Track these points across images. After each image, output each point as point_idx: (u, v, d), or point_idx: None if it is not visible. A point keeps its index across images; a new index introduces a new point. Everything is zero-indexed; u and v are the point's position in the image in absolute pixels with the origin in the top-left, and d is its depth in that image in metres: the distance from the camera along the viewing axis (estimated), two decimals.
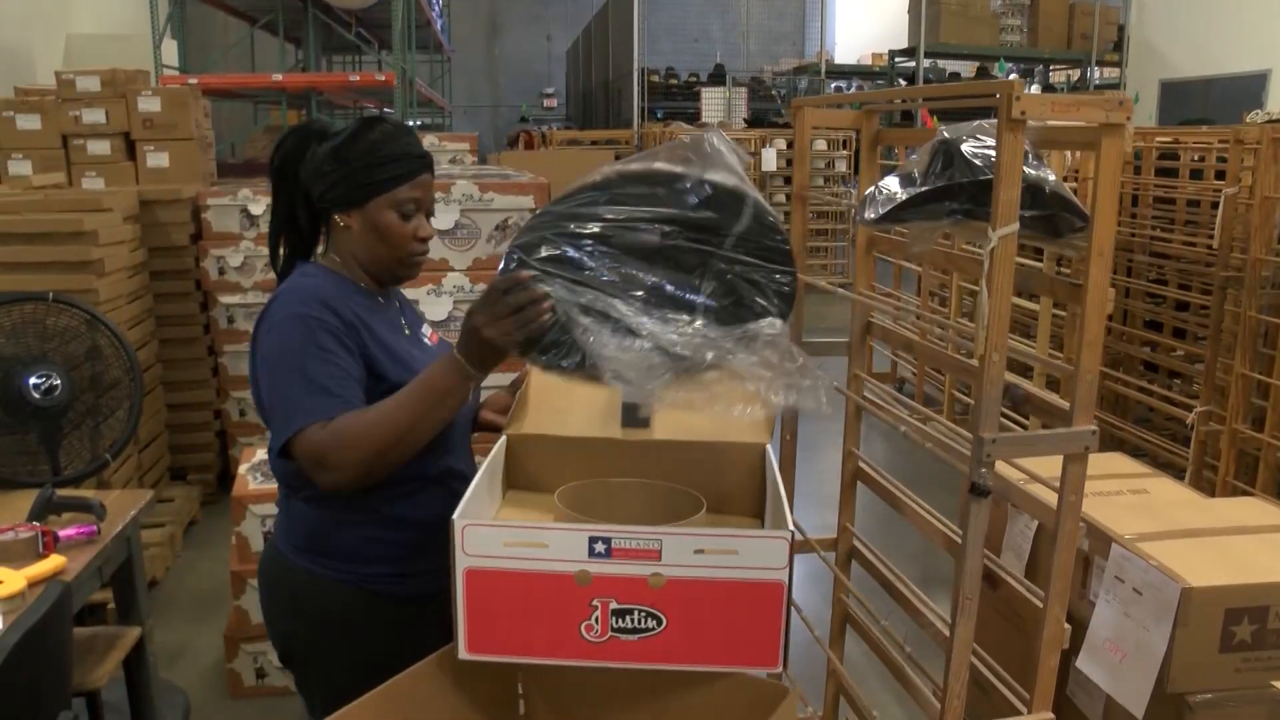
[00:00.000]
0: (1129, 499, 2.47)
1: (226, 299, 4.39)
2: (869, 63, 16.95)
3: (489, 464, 1.67)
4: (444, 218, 2.40)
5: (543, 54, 21.54)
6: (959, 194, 1.61)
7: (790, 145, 10.98)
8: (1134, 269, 5.11)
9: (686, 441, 1.77)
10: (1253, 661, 2.02)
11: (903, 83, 14.43)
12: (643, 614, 1.42)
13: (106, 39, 8.79)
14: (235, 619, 3.17)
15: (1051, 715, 1.79)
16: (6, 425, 2.92)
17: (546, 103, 21.03)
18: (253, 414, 4.38)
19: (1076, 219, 1.64)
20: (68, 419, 3.04)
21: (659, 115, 15.28)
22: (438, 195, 2.39)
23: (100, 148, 5.71)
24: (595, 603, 1.42)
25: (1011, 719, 1.80)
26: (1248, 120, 6.44)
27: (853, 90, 17.03)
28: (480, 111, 20.43)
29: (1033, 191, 1.58)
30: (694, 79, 17.23)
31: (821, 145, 10.67)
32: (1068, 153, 4.14)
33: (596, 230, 1.51)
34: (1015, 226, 1.51)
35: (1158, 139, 5.24)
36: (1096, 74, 13.75)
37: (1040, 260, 4.05)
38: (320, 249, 1.78)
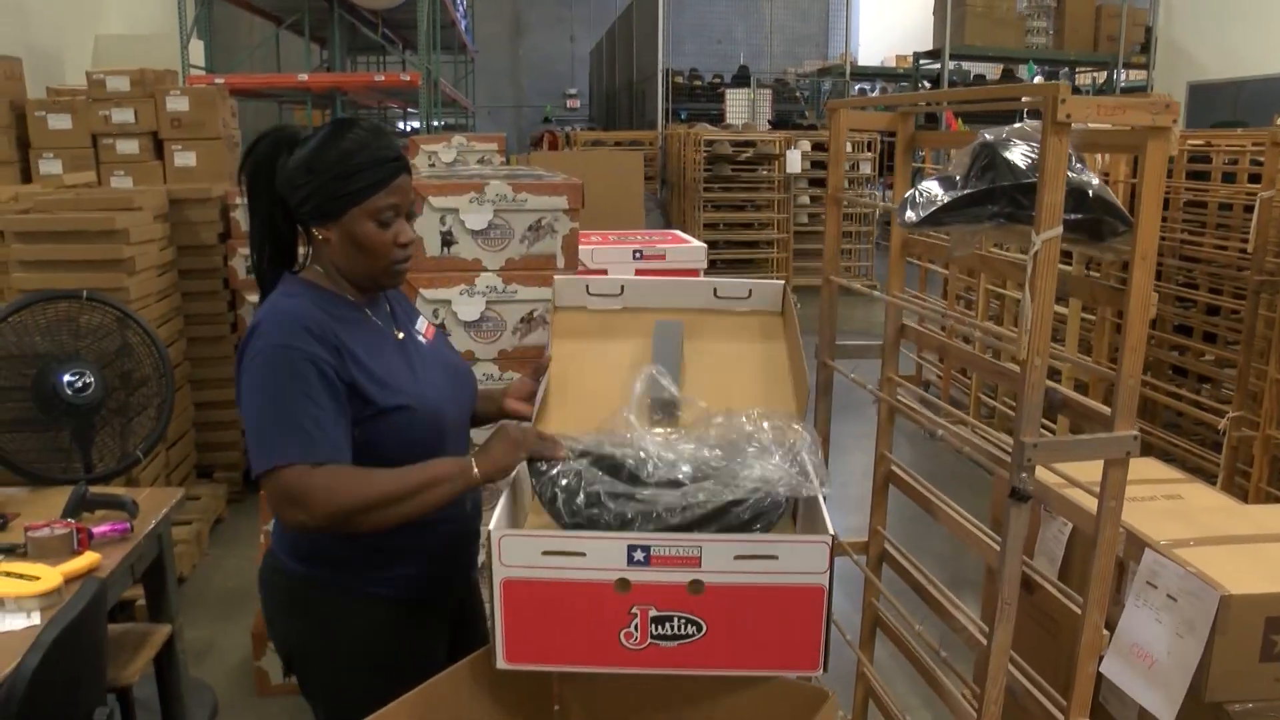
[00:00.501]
0: (1163, 504, 2.45)
1: (254, 297, 4.40)
2: (893, 64, 16.88)
3: (520, 467, 1.66)
4: (477, 218, 2.40)
5: (566, 55, 21.58)
6: (1001, 197, 1.59)
7: (815, 147, 10.96)
8: (1164, 273, 5.07)
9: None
10: None
11: (927, 85, 14.36)
12: (683, 620, 1.42)
13: (135, 39, 8.86)
14: (262, 617, 3.18)
15: None
16: (41, 422, 2.95)
17: (570, 103, 21.07)
18: None
19: (1119, 223, 1.62)
20: (100, 416, 3.06)
21: (682, 116, 15.26)
22: (471, 195, 2.38)
23: (129, 147, 5.76)
24: (634, 610, 1.42)
25: None
26: (1279, 123, 6.38)
27: (876, 92, 16.98)
28: (503, 112, 20.48)
29: (1076, 195, 1.57)
30: (718, 80, 17.21)
31: (846, 148, 10.62)
32: (1099, 155, 4.11)
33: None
34: (1059, 230, 1.49)
35: (1189, 142, 5.19)
36: (1123, 76, 13.64)
37: (1069, 264, 4.02)
38: (303, 258, 1.73)
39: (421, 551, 1.71)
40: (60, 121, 5.70)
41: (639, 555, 1.40)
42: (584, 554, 1.41)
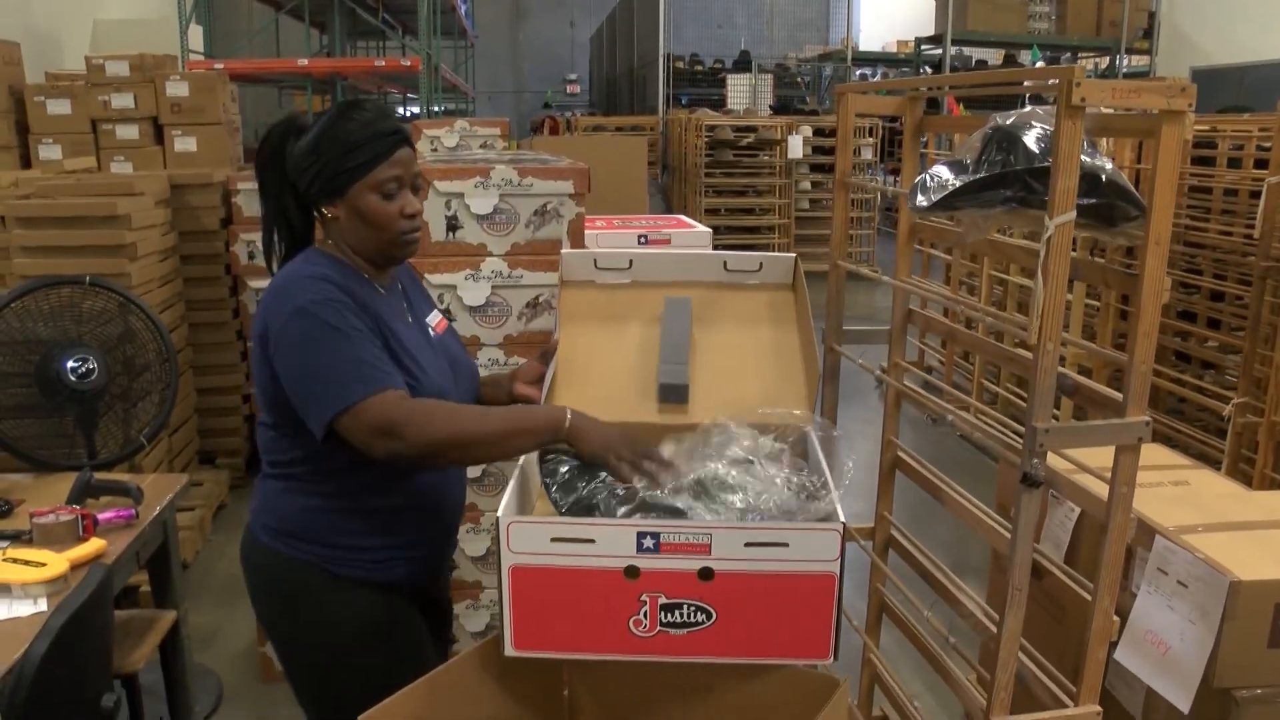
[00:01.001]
0: (1170, 490, 2.44)
1: (256, 283, 4.38)
2: (894, 50, 16.82)
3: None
4: (483, 202, 2.39)
5: (566, 40, 21.51)
6: (1014, 181, 1.58)
7: (816, 133, 10.93)
8: (1168, 258, 5.05)
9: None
10: None
11: (928, 70, 14.32)
12: (692, 608, 1.41)
13: (133, 24, 8.83)
14: None
15: (1099, 709, 1.78)
16: (45, 408, 2.94)
17: (570, 89, 21.02)
18: None
19: (1132, 208, 1.61)
20: (104, 402, 3.05)
21: (683, 102, 15.21)
22: (476, 180, 2.38)
23: (129, 132, 5.73)
24: (644, 598, 1.41)
25: (1058, 712, 1.78)
26: None
27: (877, 78, 16.92)
28: (503, 97, 20.43)
29: (1089, 179, 1.56)
30: (719, 65, 17.15)
31: None
32: (1103, 141, 4.09)
33: None
34: (1072, 215, 1.48)
35: (1195, 127, 5.17)
36: (1125, 62, 13.59)
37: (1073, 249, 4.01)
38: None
39: (401, 533, 1.73)
40: (59, 107, 5.68)
41: (648, 542, 1.39)
42: (593, 541, 1.40)
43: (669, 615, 1.42)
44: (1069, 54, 14.09)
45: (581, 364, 1.87)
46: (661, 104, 13.82)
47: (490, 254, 2.45)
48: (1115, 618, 1.74)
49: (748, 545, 1.39)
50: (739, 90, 14.24)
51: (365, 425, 1.54)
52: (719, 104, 14.23)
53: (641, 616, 1.42)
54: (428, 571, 1.85)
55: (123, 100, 5.69)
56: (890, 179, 12.21)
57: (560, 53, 21.53)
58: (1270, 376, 3.82)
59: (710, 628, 1.42)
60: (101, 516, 2.39)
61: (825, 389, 2.41)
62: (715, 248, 2.99)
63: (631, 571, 1.40)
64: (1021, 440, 1.66)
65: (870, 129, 11.05)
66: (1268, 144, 4.52)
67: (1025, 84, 2.10)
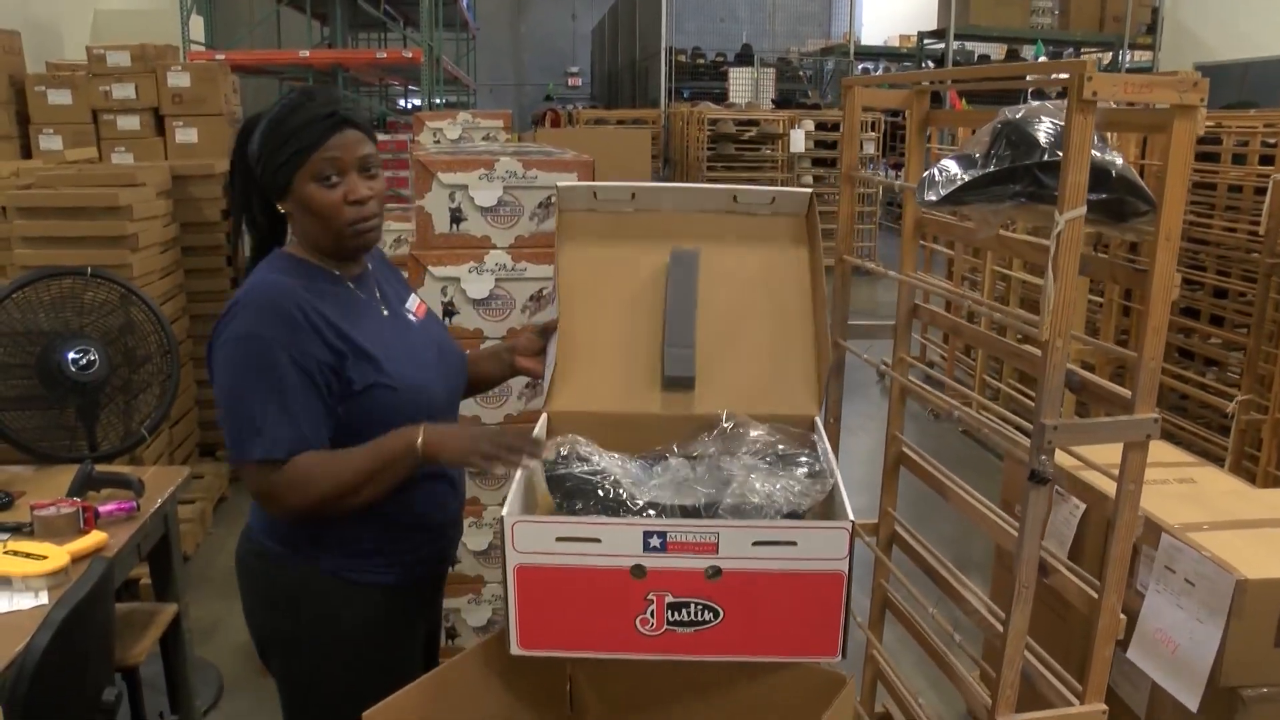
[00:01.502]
0: (1176, 488, 2.44)
1: None
2: (896, 44, 16.78)
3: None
4: (487, 194, 2.38)
5: (567, 32, 21.47)
6: (1023, 176, 1.57)
7: (818, 127, 10.91)
8: None
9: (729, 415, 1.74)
10: None
11: (930, 65, 14.28)
12: (700, 607, 1.40)
13: (134, 14, 8.80)
14: None
15: (1104, 707, 1.77)
16: (46, 400, 2.93)
17: (571, 81, 20.97)
18: None
19: (1142, 203, 1.60)
20: (105, 394, 3.04)
21: (685, 95, 15.19)
22: (481, 172, 2.36)
23: (130, 123, 5.71)
24: (651, 596, 1.40)
25: (1064, 710, 1.77)
26: None
27: (879, 72, 16.89)
28: (505, 90, 20.38)
29: (1098, 174, 1.54)
30: (721, 59, 17.12)
31: None
32: (1107, 135, 4.07)
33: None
34: (1083, 210, 1.47)
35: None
36: (1128, 57, 13.56)
37: None
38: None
39: (397, 536, 1.68)
40: (60, 97, 5.65)
41: (655, 541, 1.38)
42: (599, 540, 1.39)
43: (676, 614, 1.41)
44: (1072, 49, 14.04)
45: (584, 339, 1.81)
46: (663, 97, 13.79)
47: (494, 246, 2.43)
48: (1122, 616, 1.73)
49: (756, 544, 1.38)
50: (741, 84, 14.22)
51: (253, 489, 1.55)
52: (721, 98, 14.21)
53: (649, 615, 1.41)
54: (430, 575, 1.81)
55: (124, 91, 5.66)
56: (892, 173, 12.19)
57: (562, 45, 21.49)
58: (1274, 374, 3.81)
59: (718, 626, 1.41)
60: (103, 509, 2.38)
61: (830, 384, 2.41)
62: None
63: (638, 570, 1.39)
64: (1028, 437, 1.65)
65: (873, 123, 11.03)
66: (1273, 140, 4.52)
67: (1029, 79, 2.08)
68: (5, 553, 2.10)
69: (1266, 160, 4.57)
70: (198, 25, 8.94)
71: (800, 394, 1.79)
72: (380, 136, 5.20)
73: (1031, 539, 1.66)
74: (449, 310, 2.45)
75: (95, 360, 2.94)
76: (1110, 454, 1.71)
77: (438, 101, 9.64)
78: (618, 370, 1.80)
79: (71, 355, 2.91)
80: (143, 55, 5.69)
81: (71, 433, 3.01)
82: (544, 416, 1.76)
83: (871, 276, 2.03)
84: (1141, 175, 4.00)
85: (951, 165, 1.69)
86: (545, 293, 2.48)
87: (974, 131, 1.74)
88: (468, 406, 2.49)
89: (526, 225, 2.44)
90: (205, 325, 4.68)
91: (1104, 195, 1.57)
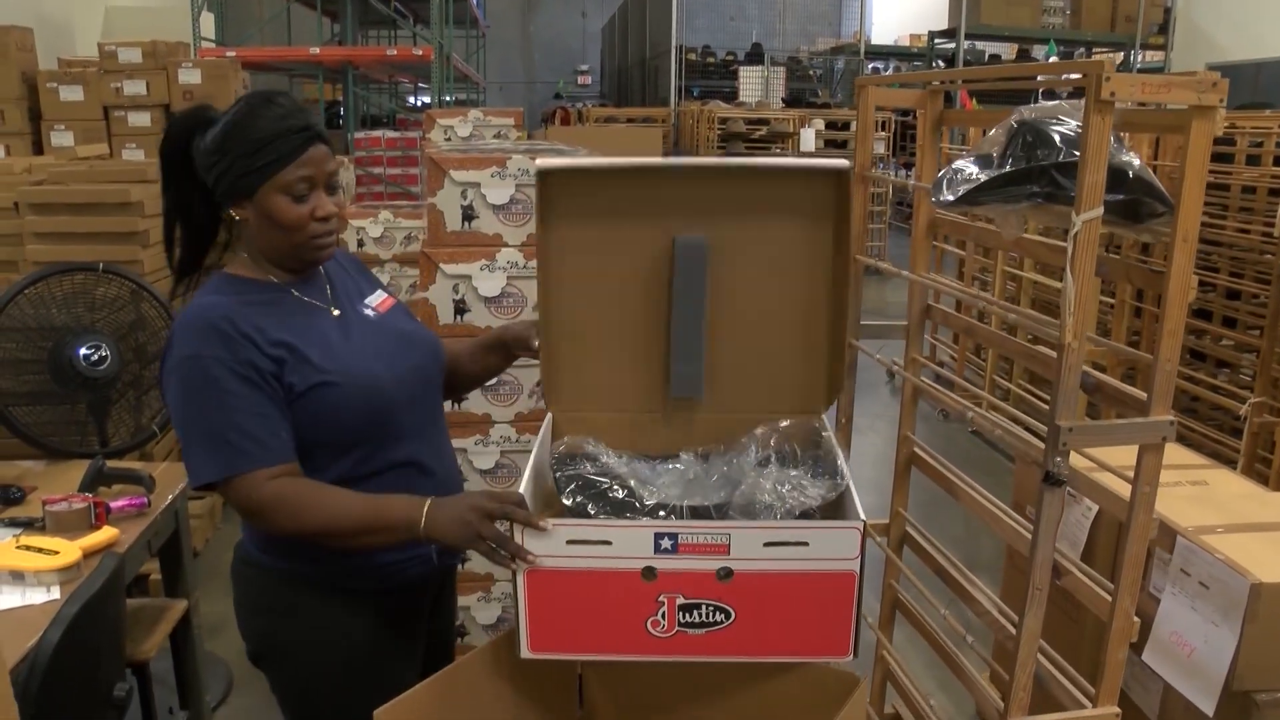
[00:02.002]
0: (1189, 490, 2.43)
1: None
2: (906, 44, 16.75)
3: (538, 448, 1.63)
4: (499, 192, 2.37)
5: (577, 31, 21.46)
6: (1040, 176, 1.56)
7: (828, 126, 10.90)
8: None
9: (738, 416, 1.73)
10: None
11: (941, 64, 14.25)
12: (711, 608, 1.40)
13: (145, 11, 8.84)
14: None
15: (1118, 710, 1.76)
16: (58, 395, 2.93)
17: (581, 80, 20.96)
18: None
19: (1159, 204, 1.59)
20: (116, 390, 3.05)
21: (695, 93, 15.19)
22: (493, 170, 2.35)
23: (140, 119, 5.73)
24: (662, 599, 1.40)
25: (1077, 713, 1.76)
26: None
27: (890, 72, 16.86)
28: (515, 88, 20.37)
29: (1116, 175, 1.54)
30: (731, 57, 17.10)
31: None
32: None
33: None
34: (1100, 210, 1.47)
35: None
36: (1140, 58, 13.51)
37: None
38: (225, 246, 1.67)
39: (400, 550, 1.64)
40: (72, 93, 5.68)
41: (666, 543, 1.38)
42: (610, 543, 1.38)
43: (687, 615, 1.40)
44: (1083, 49, 14.00)
45: (578, 332, 1.72)
46: (673, 95, 13.79)
47: (506, 244, 2.43)
48: (1136, 619, 1.72)
49: (767, 545, 1.37)
50: (751, 83, 14.21)
51: (234, 503, 1.52)
52: (731, 96, 14.20)
53: (659, 617, 1.40)
54: (424, 576, 1.74)
55: (135, 87, 5.68)
56: (902, 173, 12.17)
57: (572, 43, 21.49)
58: None
59: (729, 627, 1.40)
60: (114, 505, 2.39)
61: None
62: None
63: (649, 573, 1.38)
64: (1040, 438, 1.64)
65: (883, 123, 11.01)
66: None
67: (1043, 79, 2.07)
68: (18, 548, 2.11)
69: None
70: (208, 22, 8.96)
71: (812, 391, 1.77)
72: (390, 134, 5.21)
73: (1046, 541, 1.65)
74: (460, 308, 2.45)
75: (107, 356, 2.95)
76: (1121, 456, 1.70)
77: (447, 99, 9.64)
78: (621, 369, 1.75)
79: (83, 351, 2.91)
80: (154, 52, 5.71)
81: (82, 428, 3.01)
82: (549, 417, 1.75)
83: (880, 276, 2.02)
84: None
85: (967, 165, 1.68)
86: None
87: (985, 132, 1.73)
88: (477, 403, 2.48)
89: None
90: None
91: (1121, 196, 1.56)
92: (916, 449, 2.38)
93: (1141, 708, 2.26)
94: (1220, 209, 4.87)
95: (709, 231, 1.67)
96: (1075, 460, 1.87)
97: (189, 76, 5.72)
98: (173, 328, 1.56)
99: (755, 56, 16.28)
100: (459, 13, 12.08)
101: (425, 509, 1.46)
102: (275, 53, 8.79)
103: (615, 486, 1.52)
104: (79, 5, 8.19)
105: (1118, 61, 13.69)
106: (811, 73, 17.45)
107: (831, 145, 11.06)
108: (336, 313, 1.66)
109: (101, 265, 3.05)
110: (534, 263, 2.43)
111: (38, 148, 5.67)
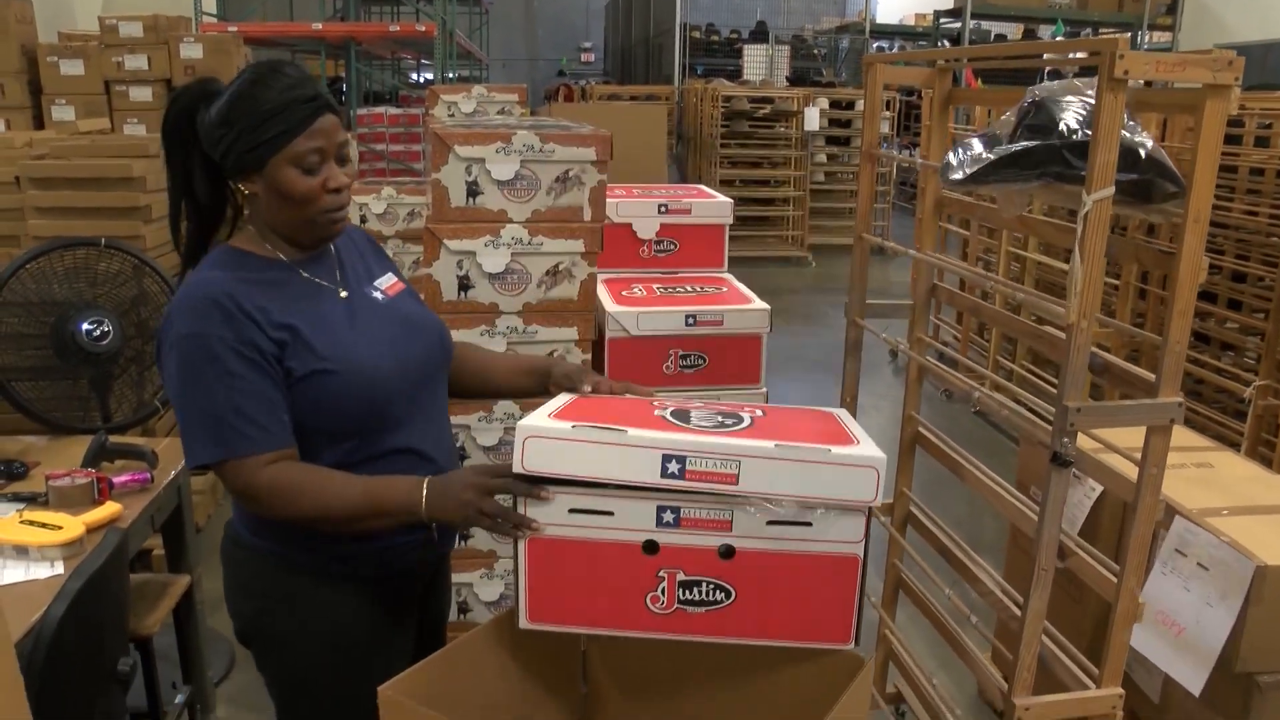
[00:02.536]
0: (1193, 472, 2.42)
1: None
2: (912, 23, 16.65)
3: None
4: (504, 168, 2.36)
5: (580, 8, 21.35)
6: (1051, 155, 1.55)
7: (833, 105, 10.84)
8: None
9: None
10: None
11: (946, 43, 14.17)
12: (711, 586, 1.39)
13: None
14: None
15: (1121, 691, 1.76)
16: (60, 370, 2.93)
17: (584, 57, 20.88)
18: None
19: (1171, 185, 1.58)
20: (118, 365, 3.04)
21: (699, 71, 15.11)
22: (498, 145, 2.34)
23: (142, 94, 5.70)
24: (662, 574, 1.39)
25: (1080, 694, 1.76)
26: None
27: (894, 50, 16.77)
28: (517, 65, 20.29)
29: (1128, 155, 1.52)
30: (735, 36, 17.02)
31: (861, 105, 10.50)
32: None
33: None
34: (1111, 190, 1.45)
35: None
36: (1147, 38, 13.41)
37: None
38: (231, 221, 1.64)
39: (393, 533, 1.61)
40: (73, 67, 5.64)
41: (668, 517, 1.37)
42: (612, 513, 1.37)
43: (687, 593, 1.39)
44: (1090, 29, 13.91)
45: None
46: (677, 73, 13.71)
47: (510, 220, 2.41)
48: (1142, 600, 1.72)
49: (770, 524, 1.36)
50: (755, 61, 14.13)
51: (229, 485, 1.49)
52: (735, 75, 14.14)
53: (659, 593, 1.39)
54: (419, 561, 1.72)
55: (136, 62, 5.65)
56: (907, 152, 12.11)
57: (575, 20, 21.37)
58: None
59: (729, 607, 1.39)
60: (117, 480, 2.38)
61: (847, 362, 2.39)
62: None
63: (650, 546, 1.38)
64: (1046, 419, 1.64)
65: (889, 103, 10.95)
66: None
67: (1050, 57, 2.06)
68: (21, 522, 2.11)
69: None
70: None
71: None
72: (393, 110, 5.18)
73: (1052, 522, 1.65)
74: (464, 284, 2.43)
75: (109, 331, 2.94)
76: (1126, 437, 1.69)
77: (450, 76, 9.60)
78: None
79: (85, 326, 2.91)
80: (155, 26, 5.67)
81: (85, 403, 3.01)
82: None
83: (884, 256, 2.00)
84: None
85: (977, 144, 1.67)
86: (561, 267, 2.46)
87: (990, 111, 1.71)
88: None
89: (543, 199, 2.42)
90: None
91: (1133, 176, 1.54)
92: (921, 429, 2.38)
93: (1143, 689, 2.27)
94: (1228, 191, 4.85)
95: None
96: (1080, 441, 1.87)
97: (190, 51, 5.68)
98: (171, 302, 1.52)
99: (760, 35, 16.19)
100: None
101: (424, 491, 1.45)
102: (277, 28, 8.75)
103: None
104: None
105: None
106: (816, 52, 17.36)
107: (835, 124, 11.01)
108: (344, 294, 1.62)
109: (103, 240, 3.04)
110: (538, 238, 2.44)
111: (38, 122, 5.64)
